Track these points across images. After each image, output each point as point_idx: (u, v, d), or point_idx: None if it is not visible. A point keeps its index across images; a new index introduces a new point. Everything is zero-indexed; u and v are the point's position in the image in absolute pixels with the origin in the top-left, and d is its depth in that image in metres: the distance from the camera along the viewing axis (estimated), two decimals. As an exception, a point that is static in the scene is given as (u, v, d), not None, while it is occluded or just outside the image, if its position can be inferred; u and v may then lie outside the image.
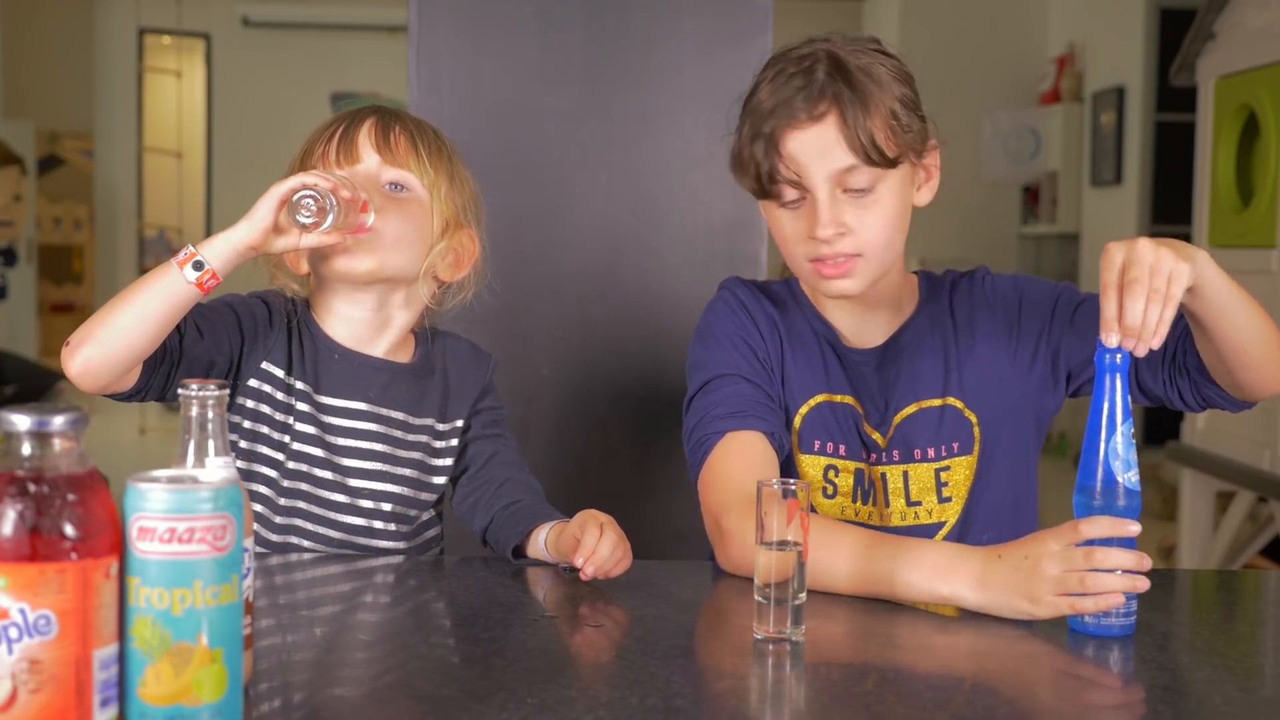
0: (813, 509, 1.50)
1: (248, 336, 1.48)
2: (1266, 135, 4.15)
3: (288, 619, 1.23)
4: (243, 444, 1.49)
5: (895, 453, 1.51)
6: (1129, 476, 1.18)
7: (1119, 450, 1.18)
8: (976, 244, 7.58)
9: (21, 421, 0.83)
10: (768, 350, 1.54)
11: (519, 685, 1.01)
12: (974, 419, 1.52)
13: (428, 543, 1.58)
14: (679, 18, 2.27)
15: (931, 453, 1.51)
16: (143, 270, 5.94)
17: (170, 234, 9.17)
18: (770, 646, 1.14)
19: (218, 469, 0.93)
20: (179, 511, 0.84)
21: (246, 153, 9.14)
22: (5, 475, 0.82)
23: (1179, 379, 1.47)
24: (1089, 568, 1.17)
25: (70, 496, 0.82)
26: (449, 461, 1.56)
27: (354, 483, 1.50)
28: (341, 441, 1.51)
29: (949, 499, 1.52)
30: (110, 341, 1.32)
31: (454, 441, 1.57)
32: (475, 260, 1.57)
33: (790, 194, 1.44)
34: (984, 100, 7.42)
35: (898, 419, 1.52)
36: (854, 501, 1.52)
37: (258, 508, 1.48)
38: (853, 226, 1.43)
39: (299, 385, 1.50)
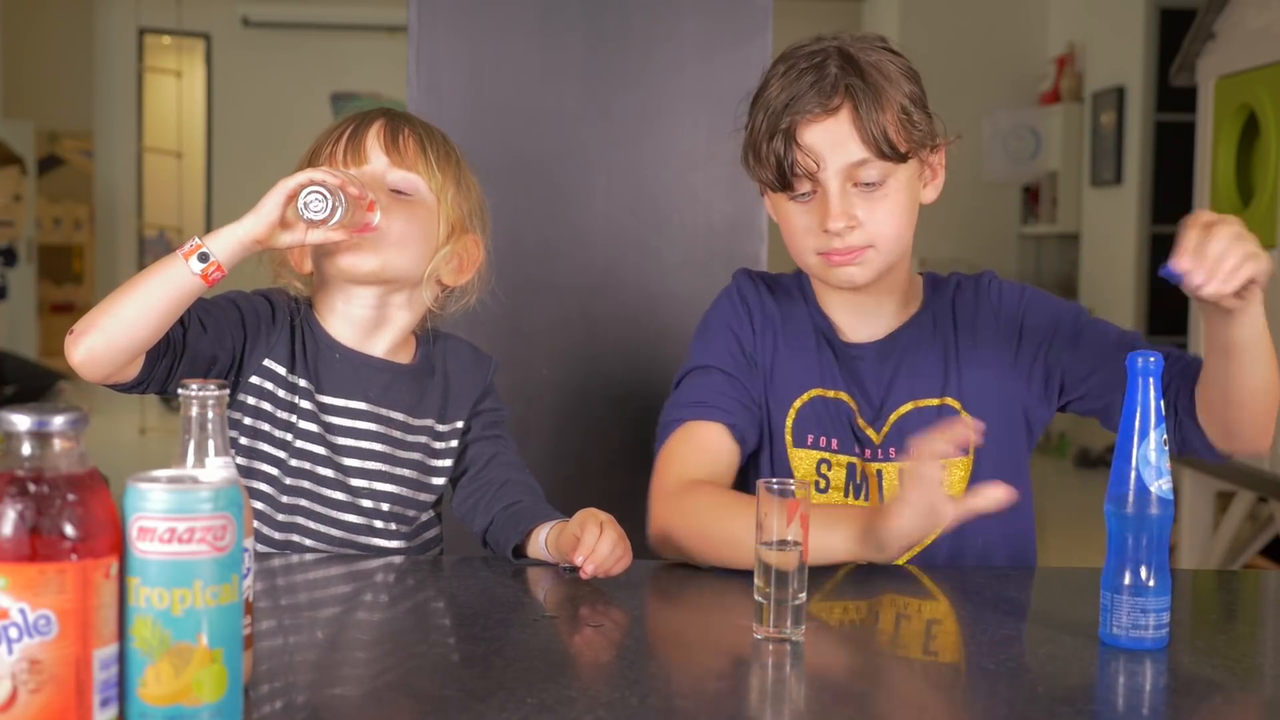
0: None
1: (250, 333, 1.49)
2: (1266, 135, 4.15)
3: (288, 619, 1.23)
4: (244, 440, 1.49)
5: (891, 450, 1.52)
6: (1161, 484, 1.15)
7: (1151, 458, 1.15)
8: (976, 244, 7.58)
9: (21, 421, 0.82)
10: (755, 345, 1.55)
11: (519, 685, 1.01)
12: (971, 421, 1.52)
13: (427, 543, 1.58)
14: (679, 18, 2.27)
15: None
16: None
17: (170, 234, 9.16)
18: (770, 646, 1.14)
19: (218, 469, 0.93)
20: (179, 511, 0.84)
21: (246, 153, 9.15)
22: (5, 475, 0.82)
23: (1166, 417, 1.47)
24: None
25: (70, 496, 0.82)
26: (448, 462, 1.56)
27: (354, 482, 1.51)
28: (341, 441, 1.51)
29: None
30: (113, 331, 1.32)
31: (453, 443, 1.57)
32: (479, 266, 1.57)
33: (804, 186, 1.45)
34: (984, 100, 7.42)
35: (894, 416, 1.52)
36: (846, 496, 1.52)
37: (259, 505, 1.48)
38: (863, 220, 1.44)
39: (301, 383, 1.50)
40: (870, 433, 1.52)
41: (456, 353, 1.60)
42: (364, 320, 1.53)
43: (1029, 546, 1.58)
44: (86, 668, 0.82)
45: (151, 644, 0.84)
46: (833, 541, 1.34)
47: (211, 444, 0.94)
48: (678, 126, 2.28)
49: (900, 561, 1.50)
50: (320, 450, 1.50)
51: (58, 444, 0.83)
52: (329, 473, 1.50)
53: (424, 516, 1.56)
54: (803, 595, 1.15)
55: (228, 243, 1.35)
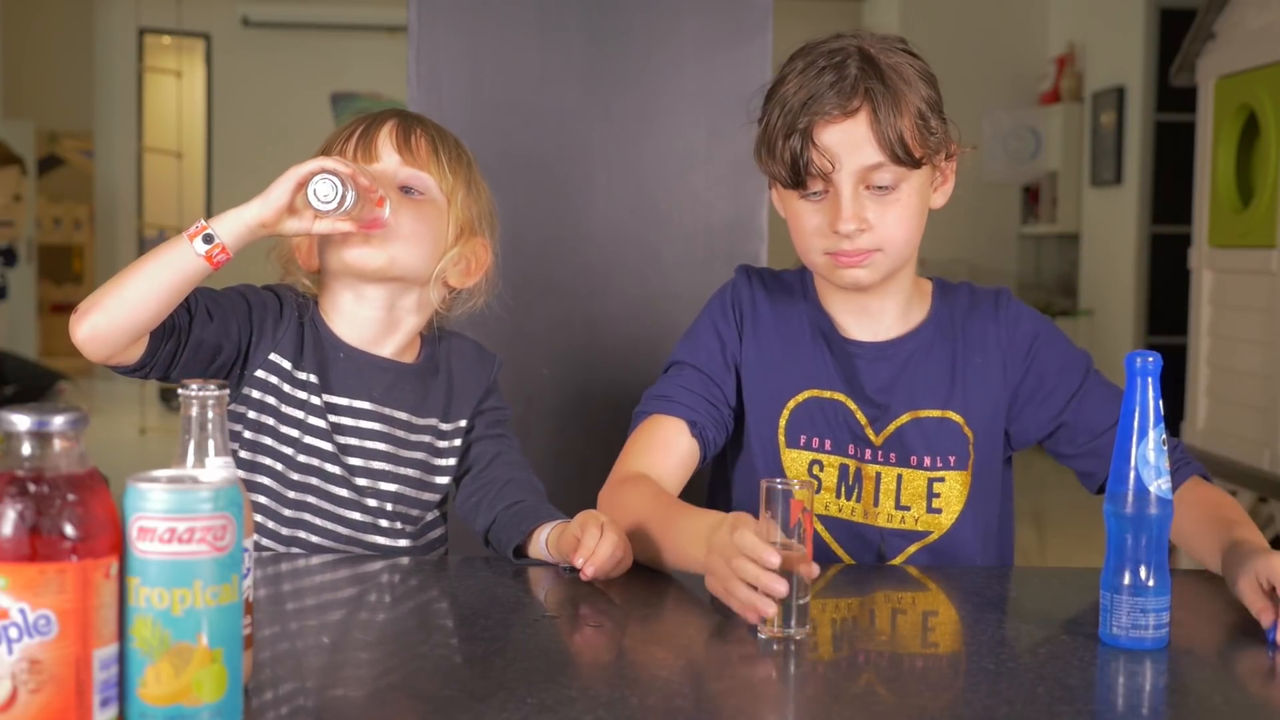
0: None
1: (257, 326, 1.49)
2: (1266, 135, 4.15)
3: (289, 619, 1.23)
4: (248, 434, 1.49)
5: (892, 455, 1.51)
6: (1160, 484, 1.15)
7: (1150, 457, 1.15)
8: (976, 244, 7.58)
9: (21, 421, 0.82)
10: (741, 348, 1.55)
11: (519, 685, 1.01)
12: (971, 435, 1.52)
13: (432, 543, 1.58)
14: (679, 18, 2.27)
15: (928, 461, 1.51)
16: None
17: (170, 234, 9.13)
18: (774, 646, 1.14)
19: (218, 469, 0.93)
20: (179, 511, 0.84)
21: (246, 153, 9.15)
22: (5, 475, 0.82)
23: (1095, 471, 1.52)
24: (737, 575, 1.15)
25: (70, 496, 0.82)
26: (452, 461, 1.56)
27: (359, 480, 1.51)
28: (346, 439, 1.51)
29: (938, 510, 1.51)
30: (117, 310, 1.33)
31: (457, 441, 1.57)
32: (487, 269, 1.57)
33: (816, 185, 1.45)
34: (984, 100, 7.42)
35: (896, 424, 1.52)
36: (838, 497, 1.52)
37: (262, 499, 1.48)
38: (873, 223, 1.44)
39: (312, 379, 1.50)
40: (870, 434, 1.52)
41: (461, 351, 1.60)
42: (373, 322, 1.53)
43: (1007, 559, 1.59)
44: (86, 668, 0.82)
45: (151, 644, 0.84)
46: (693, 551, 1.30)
47: (211, 444, 0.94)
48: (678, 126, 2.28)
49: (900, 559, 1.51)
50: (328, 447, 1.50)
51: (58, 444, 0.83)
52: (336, 469, 1.50)
53: (430, 516, 1.56)
54: (806, 596, 1.15)
55: (234, 226, 1.35)
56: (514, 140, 2.26)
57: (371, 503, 1.51)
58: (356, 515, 1.51)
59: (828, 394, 1.53)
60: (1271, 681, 1.15)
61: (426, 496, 1.55)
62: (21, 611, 0.81)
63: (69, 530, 0.81)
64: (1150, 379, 1.15)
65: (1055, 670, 1.09)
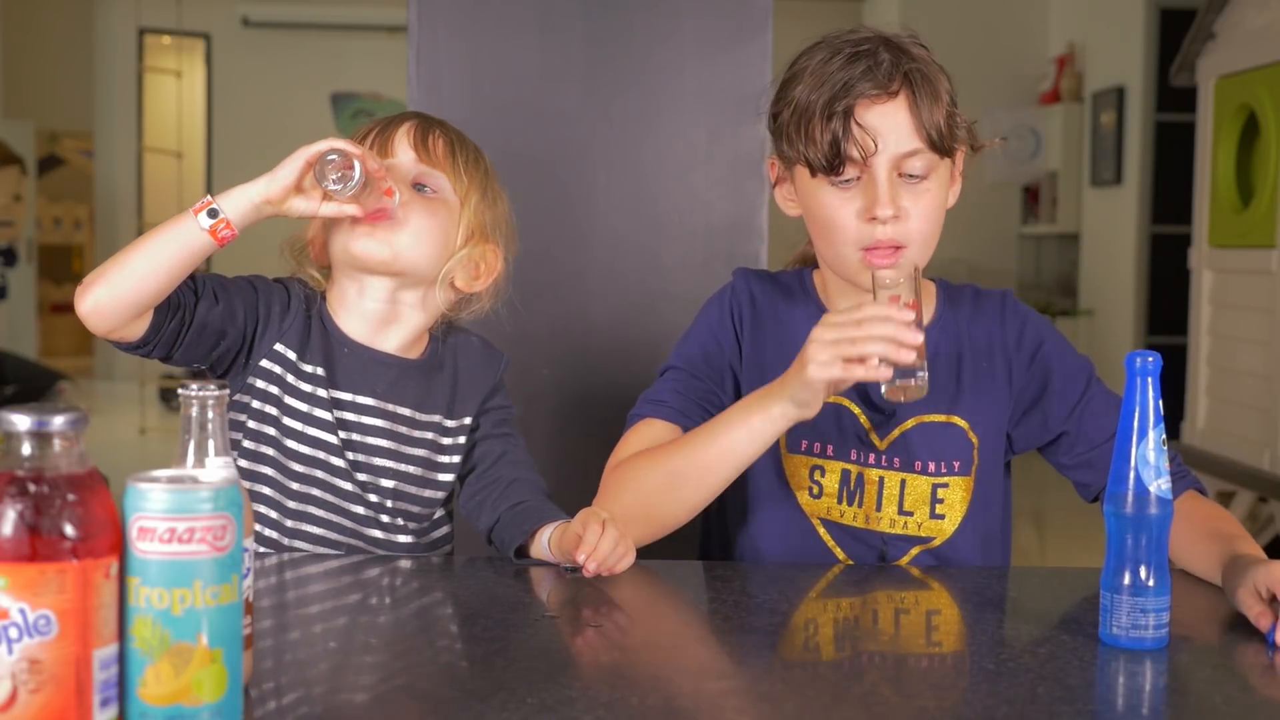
0: (802, 510, 1.51)
1: (263, 315, 1.49)
2: (1266, 135, 4.15)
3: (289, 619, 1.23)
4: (251, 424, 1.49)
5: (896, 460, 1.51)
6: (1160, 484, 1.14)
7: (1150, 457, 1.14)
8: (976, 244, 7.58)
9: (21, 421, 0.82)
10: (739, 353, 1.55)
11: (519, 685, 1.01)
12: (975, 441, 1.52)
13: (436, 542, 1.57)
14: (679, 18, 2.27)
15: (932, 467, 1.51)
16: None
17: (170, 234, 9.15)
18: (901, 398, 1.27)
19: (218, 469, 0.93)
20: (179, 511, 0.84)
21: (246, 153, 9.13)
22: (5, 475, 0.82)
23: (1091, 482, 1.53)
24: (871, 335, 1.29)
25: (70, 496, 0.82)
26: (456, 459, 1.56)
27: (360, 475, 1.51)
28: (349, 434, 1.51)
29: (942, 516, 1.51)
30: (120, 283, 1.34)
31: (461, 439, 1.57)
32: (497, 276, 1.57)
33: (851, 171, 1.43)
34: (984, 100, 7.42)
35: (900, 429, 1.51)
36: (839, 503, 1.51)
37: (266, 490, 1.48)
38: (907, 210, 1.43)
39: (319, 372, 1.50)
40: (874, 439, 1.51)
41: (467, 348, 1.60)
42: (375, 314, 1.53)
43: (1006, 563, 1.59)
44: (86, 668, 0.82)
45: (151, 644, 0.84)
46: (768, 419, 1.39)
47: (211, 444, 0.94)
48: (678, 126, 2.28)
49: (902, 562, 1.51)
50: (333, 440, 1.50)
51: (58, 444, 0.83)
52: (340, 463, 1.50)
53: (436, 514, 1.56)
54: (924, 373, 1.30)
55: (239, 202, 1.36)
56: (514, 140, 2.26)
57: (373, 498, 1.51)
58: (360, 510, 1.51)
59: (830, 398, 1.52)
60: (1271, 682, 1.15)
61: (429, 494, 1.55)
62: (21, 611, 0.81)
63: (69, 530, 0.81)
64: (1150, 379, 1.15)
65: (1055, 670, 1.09)
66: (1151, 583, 1.15)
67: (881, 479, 1.51)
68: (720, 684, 1.08)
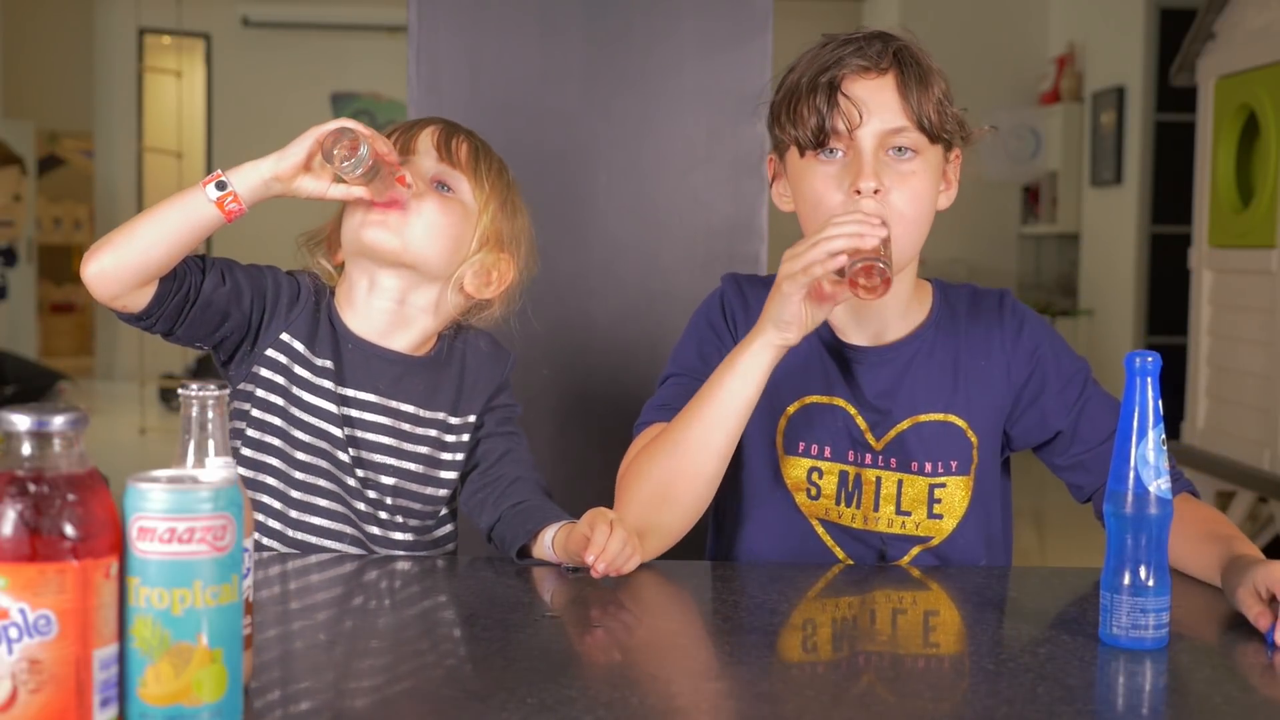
0: (801, 512, 1.51)
1: (270, 303, 1.49)
2: (1266, 135, 4.15)
3: (289, 619, 1.23)
4: (255, 413, 1.49)
5: (893, 460, 1.51)
6: (1160, 484, 1.14)
7: (1149, 457, 1.14)
8: (976, 244, 7.58)
9: (21, 421, 0.82)
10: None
11: (520, 685, 1.01)
12: (974, 440, 1.52)
13: (439, 540, 1.57)
14: (679, 18, 2.27)
15: (929, 467, 1.50)
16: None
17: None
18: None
19: (218, 469, 0.93)
20: (179, 511, 0.84)
21: (246, 153, 9.02)
22: (5, 475, 0.82)
23: (1084, 484, 1.53)
24: (837, 232, 1.33)
25: (70, 496, 0.82)
26: (459, 456, 1.56)
27: (360, 472, 1.51)
28: (351, 430, 1.51)
29: (940, 516, 1.51)
30: (126, 250, 1.35)
31: (465, 437, 1.56)
32: (508, 286, 1.57)
33: (838, 143, 1.43)
34: (984, 100, 7.42)
35: (897, 430, 1.51)
36: (838, 504, 1.51)
37: (270, 480, 1.48)
38: (890, 188, 1.42)
39: (329, 365, 1.50)
40: (870, 439, 1.51)
41: (475, 345, 1.60)
42: (384, 314, 1.53)
43: (1007, 563, 1.59)
44: (86, 668, 0.82)
45: (151, 644, 0.84)
46: (752, 354, 1.40)
47: (211, 444, 0.94)
48: (678, 126, 2.28)
49: (903, 562, 1.51)
50: (339, 434, 1.50)
51: (58, 444, 0.83)
52: (345, 457, 1.50)
53: (440, 512, 1.56)
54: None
55: (248, 177, 1.37)
56: (514, 140, 2.25)
57: (372, 494, 1.51)
58: (361, 505, 1.51)
59: (826, 400, 1.52)
60: (1271, 682, 1.15)
61: (430, 491, 1.55)
62: (21, 611, 0.81)
63: (69, 530, 0.81)
64: (1150, 379, 1.15)
65: (1055, 670, 1.09)
66: (1151, 583, 1.15)
67: (878, 479, 1.50)
68: (720, 684, 1.08)
